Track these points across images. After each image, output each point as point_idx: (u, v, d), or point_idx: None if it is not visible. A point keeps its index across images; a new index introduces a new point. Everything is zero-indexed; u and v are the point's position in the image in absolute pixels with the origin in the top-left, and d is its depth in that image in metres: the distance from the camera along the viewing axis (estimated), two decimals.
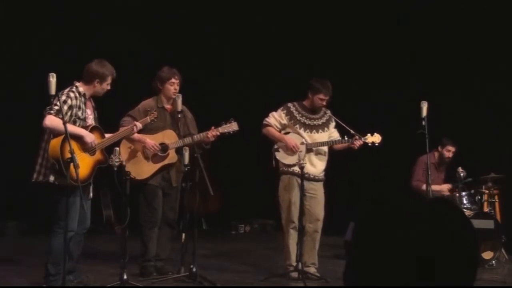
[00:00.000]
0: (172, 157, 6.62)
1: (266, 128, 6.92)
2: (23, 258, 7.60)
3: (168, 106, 6.66)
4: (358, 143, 6.76)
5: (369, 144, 6.88)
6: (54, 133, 5.48)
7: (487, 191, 8.40)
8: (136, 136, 6.42)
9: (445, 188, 8.33)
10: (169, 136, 6.62)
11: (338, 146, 6.93)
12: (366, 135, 6.86)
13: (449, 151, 8.35)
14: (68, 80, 5.77)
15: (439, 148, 8.36)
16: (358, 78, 10.55)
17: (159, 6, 10.63)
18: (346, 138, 6.84)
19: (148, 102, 6.65)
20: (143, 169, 6.52)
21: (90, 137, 5.61)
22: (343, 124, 6.87)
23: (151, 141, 6.51)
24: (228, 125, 6.66)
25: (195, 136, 6.51)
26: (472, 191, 8.22)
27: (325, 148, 6.92)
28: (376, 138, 6.90)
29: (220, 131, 6.62)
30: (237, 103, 10.59)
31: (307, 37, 10.84)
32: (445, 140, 8.36)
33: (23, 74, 9.58)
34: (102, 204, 9.86)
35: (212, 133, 6.53)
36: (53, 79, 5.25)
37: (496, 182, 8.48)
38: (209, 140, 6.57)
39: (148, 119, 6.25)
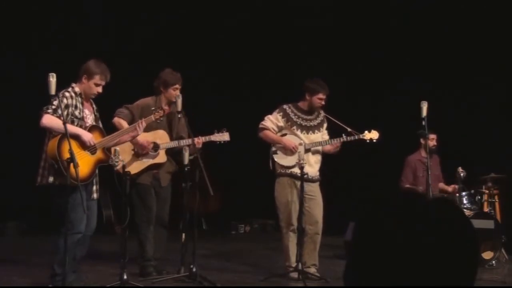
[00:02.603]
0: (161, 157, 6.64)
1: (263, 132, 6.91)
2: (23, 258, 7.60)
3: (165, 108, 6.65)
4: (339, 141, 6.78)
5: (367, 141, 6.89)
6: (52, 131, 5.47)
7: (487, 191, 8.40)
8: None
9: (450, 189, 8.32)
10: (161, 137, 6.64)
11: (327, 148, 6.92)
12: (363, 132, 6.88)
13: (432, 140, 8.31)
14: (68, 81, 5.77)
15: (422, 141, 8.22)
16: (358, 78, 10.55)
17: (159, 6, 10.63)
18: (344, 136, 6.83)
19: (147, 101, 6.66)
20: (132, 165, 6.52)
21: (86, 136, 5.58)
22: (339, 123, 6.87)
23: (143, 139, 6.50)
24: (220, 134, 6.71)
25: (183, 141, 6.51)
26: (472, 191, 8.22)
27: (321, 148, 6.94)
28: (373, 135, 6.90)
29: (212, 139, 6.67)
30: (237, 103, 10.60)
31: (307, 37, 10.84)
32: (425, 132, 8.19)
33: (23, 74, 9.58)
34: (102, 204, 9.86)
35: (199, 140, 6.54)
36: (53, 79, 5.24)
37: (496, 182, 8.47)
38: (198, 146, 6.55)
39: (152, 117, 6.21)
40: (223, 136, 6.71)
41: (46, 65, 5.86)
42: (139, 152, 6.56)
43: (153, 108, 6.45)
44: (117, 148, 5.83)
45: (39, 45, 9.88)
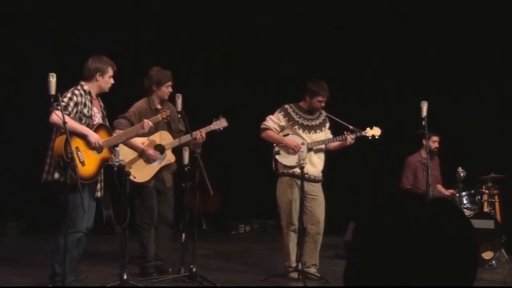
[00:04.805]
0: (169, 157, 6.67)
1: (265, 132, 6.91)
2: (23, 258, 7.61)
3: (159, 107, 6.67)
4: (349, 137, 6.74)
5: (369, 138, 6.87)
6: (60, 128, 5.47)
7: (487, 191, 8.40)
8: (133, 142, 6.46)
9: (448, 193, 8.31)
10: (164, 137, 6.66)
11: (332, 146, 6.92)
12: (365, 129, 6.87)
13: (435, 142, 8.31)
14: (68, 80, 5.77)
15: (424, 143, 8.12)
16: (358, 78, 10.55)
17: (158, 6, 10.64)
18: (345, 134, 6.82)
19: (141, 104, 6.66)
20: (144, 172, 6.54)
21: (93, 137, 5.59)
22: (341, 121, 6.87)
23: (150, 149, 6.54)
24: (218, 122, 6.74)
25: (193, 133, 6.52)
26: (472, 191, 8.21)
27: (323, 147, 6.93)
28: (376, 131, 6.89)
29: (212, 128, 6.70)
30: (237, 103, 10.60)
31: (307, 37, 10.84)
32: (427, 133, 8.14)
33: (23, 74, 9.58)
34: (102, 204, 9.87)
35: (201, 134, 6.55)
36: (53, 79, 5.24)
37: (496, 182, 8.47)
38: (200, 141, 6.57)
39: (159, 117, 6.27)
40: (221, 123, 6.75)
41: (46, 65, 5.86)
42: (149, 160, 6.58)
43: (159, 107, 6.49)
44: (117, 148, 5.83)
45: (39, 44, 9.87)
